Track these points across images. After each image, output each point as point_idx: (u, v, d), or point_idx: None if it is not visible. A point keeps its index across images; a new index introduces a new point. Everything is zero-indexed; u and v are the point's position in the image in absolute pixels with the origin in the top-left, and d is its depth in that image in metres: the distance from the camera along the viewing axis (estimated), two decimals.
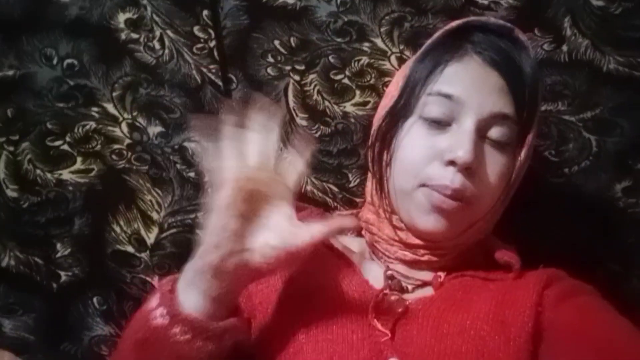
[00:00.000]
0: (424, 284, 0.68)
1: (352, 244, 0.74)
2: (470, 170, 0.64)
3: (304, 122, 0.85)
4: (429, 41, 0.70)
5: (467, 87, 0.65)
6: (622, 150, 0.81)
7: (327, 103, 0.85)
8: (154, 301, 0.56)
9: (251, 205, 0.55)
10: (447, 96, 0.65)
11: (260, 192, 0.56)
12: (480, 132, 0.65)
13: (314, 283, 0.66)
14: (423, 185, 0.65)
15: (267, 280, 0.67)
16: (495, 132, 0.65)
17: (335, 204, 0.86)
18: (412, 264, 0.69)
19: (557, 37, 0.81)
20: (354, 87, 0.84)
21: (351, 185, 0.85)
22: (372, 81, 0.84)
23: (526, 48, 0.68)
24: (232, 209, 0.54)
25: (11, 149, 0.80)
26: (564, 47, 0.81)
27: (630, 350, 0.58)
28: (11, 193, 0.80)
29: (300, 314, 0.63)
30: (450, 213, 0.65)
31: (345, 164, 0.85)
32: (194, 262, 0.56)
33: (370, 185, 0.74)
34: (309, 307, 0.64)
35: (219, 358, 0.56)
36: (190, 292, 0.56)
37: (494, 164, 0.66)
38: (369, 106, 0.84)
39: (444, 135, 0.65)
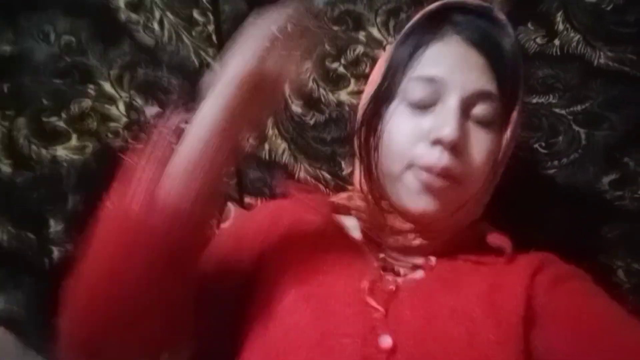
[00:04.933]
0: (416, 267, 0.67)
1: (349, 222, 0.72)
2: (457, 148, 0.62)
3: (298, 110, 0.83)
4: (409, 24, 0.69)
5: (449, 66, 0.64)
6: (610, 144, 0.80)
7: (321, 91, 0.83)
8: (131, 197, 0.54)
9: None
10: (430, 79, 0.64)
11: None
12: (465, 111, 0.63)
13: (319, 255, 0.65)
14: (411, 165, 0.64)
15: (276, 245, 0.66)
16: (479, 110, 0.64)
17: (328, 190, 0.84)
18: (404, 250, 0.68)
19: (550, 31, 0.80)
20: (349, 75, 0.83)
21: (344, 172, 0.84)
22: (367, 70, 0.82)
23: (505, 26, 0.66)
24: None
25: (6, 124, 0.78)
26: (556, 41, 0.80)
27: (623, 334, 0.57)
28: (5, 168, 0.78)
29: (300, 283, 0.62)
30: (440, 192, 0.63)
31: (338, 151, 0.84)
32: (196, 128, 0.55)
33: (358, 172, 0.72)
34: (310, 277, 0.62)
35: (198, 250, 0.57)
36: (177, 183, 0.54)
37: (480, 141, 0.64)
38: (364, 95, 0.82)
39: (428, 115, 0.64)
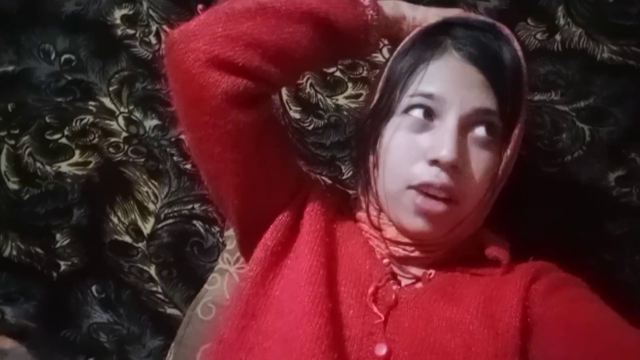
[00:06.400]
0: (415, 279, 0.66)
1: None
2: (455, 168, 0.61)
3: (297, 115, 0.83)
4: (407, 38, 0.66)
5: (448, 84, 0.62)
6: (615, 140, 0.77)
7: (319, 96, 0.82)
8: None
9: None
10: (428, 95, 0.62)
11: None
12: (464, 129, 0.62)
13: (341, 249, 0.65)
14: (410, 186, 0.62)
15: (319, 212, 0.65)
16: (478, 128, 0.62)
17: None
18: (403, 260, 0.67)
19: (551, 26, 0.77)
20: (346, 79, 0.81)
21: (344, 177, 0.83)
22: (364, 74, 0.81)
23: (509, 41, 0.64)
24: None
25: (12, 142, 0.80)
26: (558, 37, 0.77)
27: (618, 338, 0.56)
28: (12, 185, 0.80)
29: (313, 268, 0.61)
30: (437, 216, 0.62)
31: (338, 156, 0.83)
32: None
33: (360, 184, 0.71)
34: (325, 269, 0.61)
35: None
36: None
37: (479, 160, 0.62)
38: (361, 99, 0.81)
39: (427, 134, 0.62)
